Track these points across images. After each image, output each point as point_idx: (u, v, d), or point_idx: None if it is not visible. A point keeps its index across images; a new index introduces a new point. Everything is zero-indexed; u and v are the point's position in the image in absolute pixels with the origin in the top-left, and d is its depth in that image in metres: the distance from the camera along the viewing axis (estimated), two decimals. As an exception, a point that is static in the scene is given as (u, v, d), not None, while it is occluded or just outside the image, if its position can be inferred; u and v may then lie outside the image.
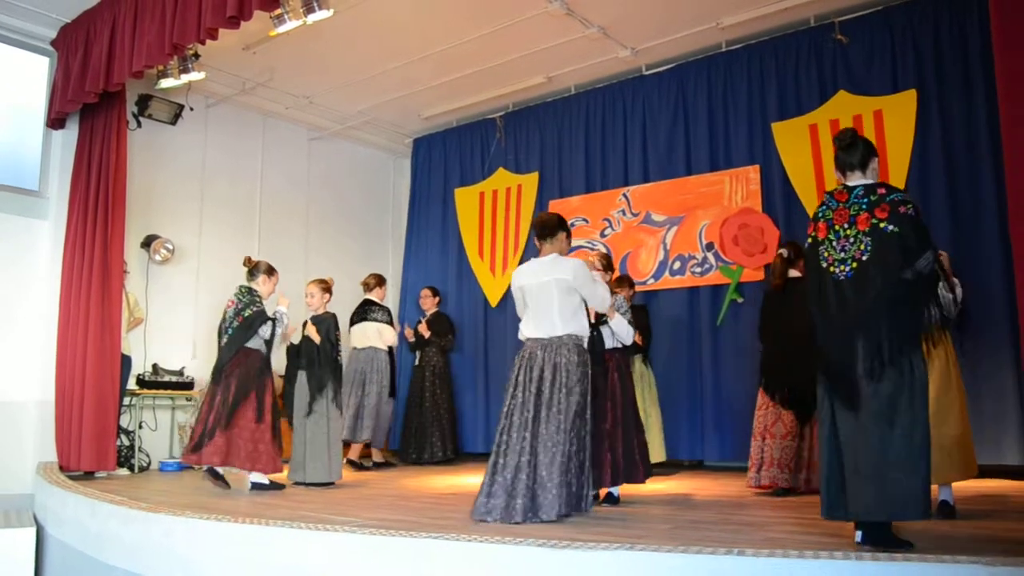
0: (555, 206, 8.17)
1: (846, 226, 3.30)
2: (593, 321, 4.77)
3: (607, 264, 5.18)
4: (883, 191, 3.27)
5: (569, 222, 7.84)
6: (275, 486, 5.60)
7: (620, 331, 4.81)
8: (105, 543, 4.72)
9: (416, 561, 3.36)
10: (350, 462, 7.34)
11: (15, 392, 6.45)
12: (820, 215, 3.42)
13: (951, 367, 3.96)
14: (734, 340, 6.86)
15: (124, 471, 6.67)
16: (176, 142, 7.76)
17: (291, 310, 6.00)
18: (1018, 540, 2.85)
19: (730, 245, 6.89)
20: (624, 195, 7.68)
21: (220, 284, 7.91)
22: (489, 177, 8.76)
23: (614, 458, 4.71)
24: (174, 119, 7.64)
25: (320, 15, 5.66)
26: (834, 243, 3.32)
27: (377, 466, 7.52)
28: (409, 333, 8.06)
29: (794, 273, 5.54)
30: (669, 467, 6.65)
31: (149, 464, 7.03)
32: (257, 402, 5.59)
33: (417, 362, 8.07)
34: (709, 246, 7.09)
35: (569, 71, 7.78)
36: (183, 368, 7.41)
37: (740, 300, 6.89)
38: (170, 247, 7.43)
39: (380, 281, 7.95)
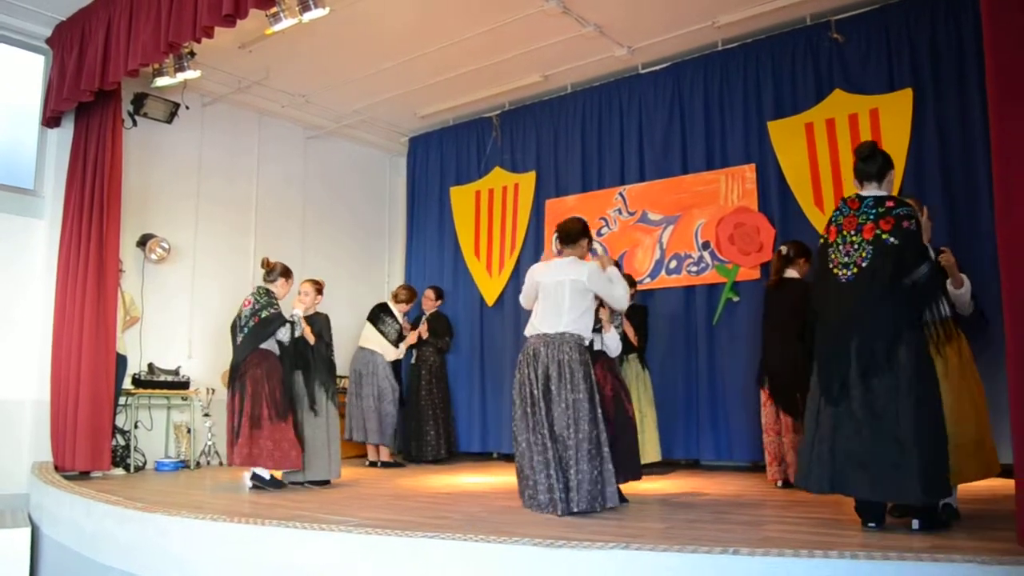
0: (551, 205, 8.17)
1: (852, 232, 3.54)
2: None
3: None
4: (891, 204, 3.52)
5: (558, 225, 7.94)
6: (275, 483, 5.60)
7: (610, 344, 4.90)
8: (100, 543, 4.72)
9: (412, 560, 3.36)
10: (372, 463, 7.56)
11: (10, 391, 6.44)
12: (833, 219, 3.66)
13: (965, 366, 3.94)
14: (730, 339, 6.86)
15: (119, 471, 6.66)
16: (172, 141, 7.74)
17: (286, 309, 6.00)
18: (1013, 540, 2.85)
19: (726, 244, 6.89)
20: (620, 194, 7.68)
21: (216, 283, 7.93)
22: (485, 176, 8.75)
23: None
24: (170, 118, 7.62)
25: (316, 13, 5.65)
26: (840, 247, 3.56)
27: (385, 465, 7.55)
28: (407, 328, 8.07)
29: (791, 273, 5.54)
30: (665, 466, 6.65)
31: (144, 464, 7.02)
32: (276, 400, 5.62)
33: (413, 361, 8.06)
34: (705, 245, 7.09)
35: (565, 70, 7.78)
36: (179, 367, 7.39)
37: (736, 299, 6.89)
38: (166, 246, 7.42)
39: (410, 298, 8.03)
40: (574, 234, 4.72)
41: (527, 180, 8.39)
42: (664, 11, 6.67)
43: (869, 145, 3.77)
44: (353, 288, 8.66)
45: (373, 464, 7.55)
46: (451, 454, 8.01)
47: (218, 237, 8.04)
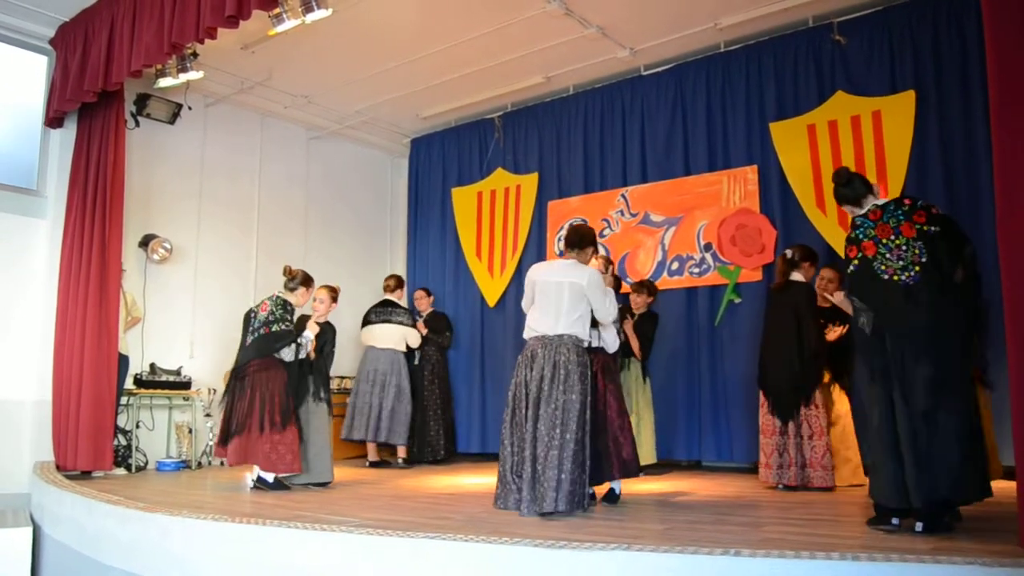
0: (554, 206, 8.18)
1: (893, 237, 3.59)
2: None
3: (605, 264, 5.19)
4: (908, 201, 3.62)
5: (568, 222, 7.95)
6: (278, 485, 5.60)
7: (607, 340, 4.89)
8: (102, 543, 4.72)
9: (413, 561, 3.36)
10: (372, 463, 7.59)
11: (12, 391, 6.44)
12: (859, 236, 3.69)
13: None
14: (732, 340, 6.86)
15: (121, 471, 6.66)
16: (174, 141, 7.76)
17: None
18: (1015, 541, 2.85)
19: (728, 245, 6.90)
20: (623, 195, 7.68)
21: (218, 284, 7.94)
22: (487, 177, 8.76)
23: (603, 456, 4.73)
24: (172, 118, 7.63)
25: (319, 14, 5.65)
26: (887, 255, 3.58)
27: (406, 463, 7.64)
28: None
29: (796, 276, 5.52)
30: (661, 468, 6.64)
31: (146, 464, 7.02)
32: (279, 407, 5.59)
33: (416, 361, 8.06)
34: (707, 246, 7.09)
35: (568, 71, 7.78)
36: (180, 368, 7.40)
37: (738, 300, 6.89)
38: (168, 246, 7.43)
39: (400, 283, 8.13)
40: (584, 240, 4.66)
41: (529, 181, 8.39)
42: (666, 13, 6.68)
43: (846, 172, 3.91)
44: (355, 289, 8.63)
45: (374, 464, 7.56)
46: (451, 454, 8.01)
47: (220, 238, 8.05)
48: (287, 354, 5.72)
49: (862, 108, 6.35)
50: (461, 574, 3.26)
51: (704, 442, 6.91)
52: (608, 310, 4.65)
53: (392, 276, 8.24)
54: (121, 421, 6.82)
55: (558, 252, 8.05)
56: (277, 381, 5.63)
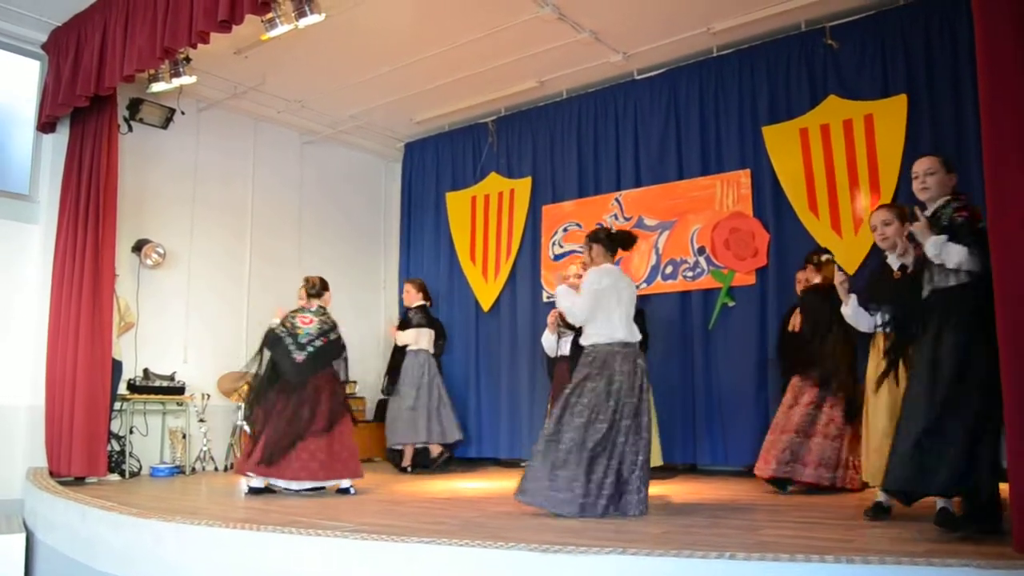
0: (548, 211, 8.19)
1: None
2: (578, 327, 4.85)
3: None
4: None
5: (562, 227, 7.97)
6: (267, 490, 5.59)
7: None
8: (95, 549, 4.70)
9: (408, 566, 3.36)
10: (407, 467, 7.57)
11: (5, 397, 6.42)
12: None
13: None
14: (726, 344, 6.87)
15: (115, 476, 6.64)
16: (167, 146, 7.74)
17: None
18: (1009, 544, 2.85)
19: (721, 249, 6.91)
20: (616, 200, 7.70)
21: (212, 289, 7.93)
22: (481, 181, 8.76)
23: None
24: (165, 123, 7.62)
25: (311, 19, 5.64)
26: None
27: (443, 464, 7.69)
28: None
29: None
30: (663, 471, 6.64)
31: (140, 469, 7.00)
32: (343, 409, 5.78)
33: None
34: (701, 250, 7.10)
35: (561, 75, 7.79)
36: (174, 373, 7.38)
37: (731, 304, 6.90)
38: (161, 251, 7.41)
39: (422, 285, 8.17)
40: (629, 243, 4.92)
41: (523, 186, 8.40)
42: (659, 17, 6.69)
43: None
44: (349, 293, 8.63)
45: (404, 470, 7.52)
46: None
47: (214, 242, 8.04)
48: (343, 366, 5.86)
49: (854, 112, 6.37)
50: (456, 579, 3.26)
51: (699, 445, 6.92)
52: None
53: (411, 281, 8.23)
54: (115, 427, 6.79)
55: (552, 257, 8.06)
56: (340, 388, 5.82)
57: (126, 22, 5.84)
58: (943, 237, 3.55)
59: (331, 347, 5.81)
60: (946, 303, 3.54)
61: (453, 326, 8.57)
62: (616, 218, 7.65)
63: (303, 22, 5.67)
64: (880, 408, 4.01)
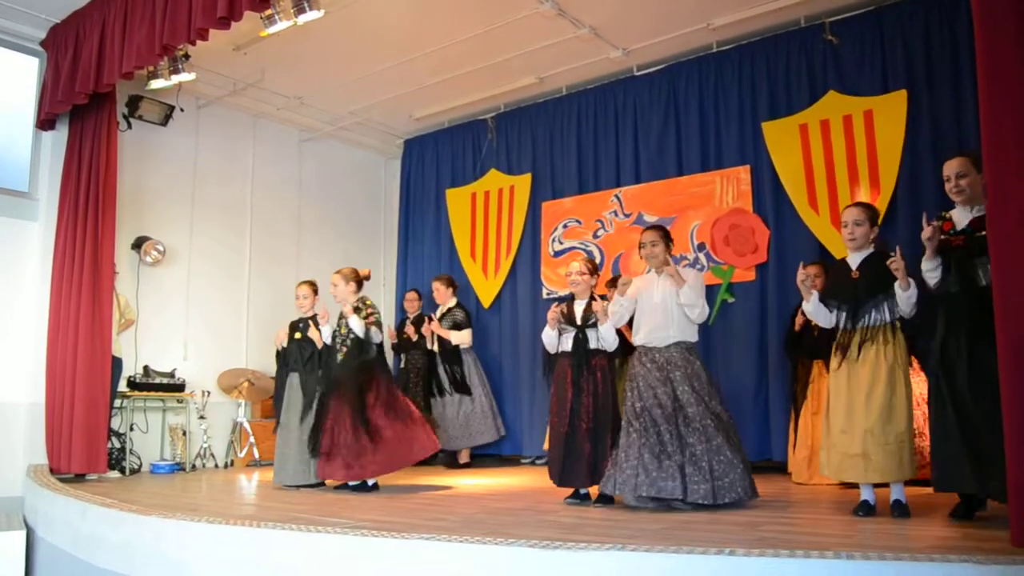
0: (548, 207, 8.18)
1: None
2: (580, 324, 4.86)
3: (593, 268, 5.19)
4: None
5: (562, 223, 7.96)
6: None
7: (607, 336, 4.86)
8: (95, 545, 4.70)
9: (409, 562, 3.36)
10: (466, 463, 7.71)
11: (5, 394, 6.42)
12: None
13: (897, 366, 3.97)
14: (726, 340, 6.87)
15: (115, 473, 6.64)
16: (167, 143, 7.74)
17: (282, 312, 6.01)
18: (1007, 539, 2.86)
19: (721, 245, 6.91)
20: (616, 196, 7.69)
21: (211, 285, 7.93)
22: (481, 178, 8.76)
23: (591, 457, 4.74)
24: (165, 120, 7.61)
25: (311, 16, 5.64)
26: None
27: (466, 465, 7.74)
28: (392, 335, 8.03)
29: None
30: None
31: (140, 466, 7.00)
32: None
33: (403, 365, 8.03)
34: (700, 246, 7.10)
35: (560, 72, 7.79)
36: (174, 370, 7.38)
37: (731, 300, 6.90)
38: (161, 248, 7.40)
39: (451, 281, 8.18)
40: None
41: (523, 182, 8.39)
42: (659, 13, 6.69)
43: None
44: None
45: (464, 466, 7.67)
46: (437, 457, 7.91)
47: (213, 239, 8.04)
48: (376, 335, 5.75)
49: (854, 108, 6.37)
50: (457, 575, 3.26)
51: (698, 441, 6.90)
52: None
53: (441, 279, 8.19)
54: (115, 424, 6.80)
55: (552, 253, 8.06)
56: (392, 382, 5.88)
57: (125, 19, 5.83)
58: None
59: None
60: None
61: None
62: (616, 215, 7.65)
63: (302, 18, 5.66)
64: (840, 404, 4.05)
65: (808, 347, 5.63)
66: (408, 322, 8.09)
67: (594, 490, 4.80)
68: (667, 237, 4.82)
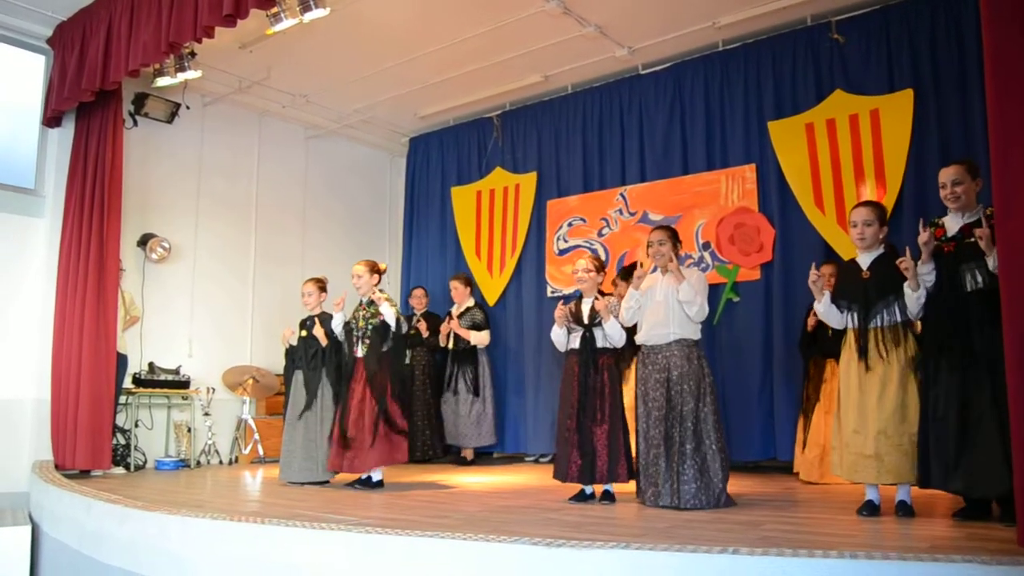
0: (553, 206, 8.18)
1: None
2: (587, 322, 4.86)
3: (599, 266, 5.18)
4: None
5: (567, 221, 7.96)
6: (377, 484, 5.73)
7: (613, 334, 4.86)
8: (100, 541, 4.72)
9: (412, 560, 3.36)
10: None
11: (11, 390, 6.44)
12: None
13: (908, 367, 3.96)
14: (731, 339, 6.86)
15: (120, 470, 6.67)
16: (172, 141, 7.75)
17: (287, 309, 6.02)
18: (1011, 539, 2.85)
19: (726, 244, 6.90)
20: (621, 195, 7.69)
21: (216, 283, 7.94)
22: (486, 176, 8.75)
23: (600, 456, 4.74)
24: (170, 117, 7.63)
25: (317, 13, 5.65)
26: None
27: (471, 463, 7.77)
28: (424, 328, 8.03)
29: None
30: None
31: (145, 463, 7.02)
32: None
33: (408, 361, 8.03)
34: (705, 245, 7.09)
35: (566, 70, 7.78)
36: (179, 367, 7.40)
37: (736, 299, 6.89)
38: (166, 245, 7.42)
39: (468, 280, 8.22)
40: None
41: (528, 180, 8.39)
42: (665, 12, 6.68)
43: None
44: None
45: (472, 463, 7.74)
46: (445, 453, 7.95)
47: (218, 237, 8.05)
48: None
49: (860, 107, 6.35)
50: (460, 573, 3.26)
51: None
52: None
53: (458, 277, 8.21)
54: (120, 420, 6.82)
55: (557, 251, 8.05)
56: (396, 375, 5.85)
57: (131, 17, 5.85)
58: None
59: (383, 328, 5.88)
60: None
61: (458, 321, 8.56)
62: (621, 213, 7.64)
63: (308, 16, 5.68)
64: (850, 403, 4.05)
65: (822, 346, 5.62)
66: (417, 318, 8.09)
67: (598, 488, 4.81)
68: (675, 237, 4.81)
